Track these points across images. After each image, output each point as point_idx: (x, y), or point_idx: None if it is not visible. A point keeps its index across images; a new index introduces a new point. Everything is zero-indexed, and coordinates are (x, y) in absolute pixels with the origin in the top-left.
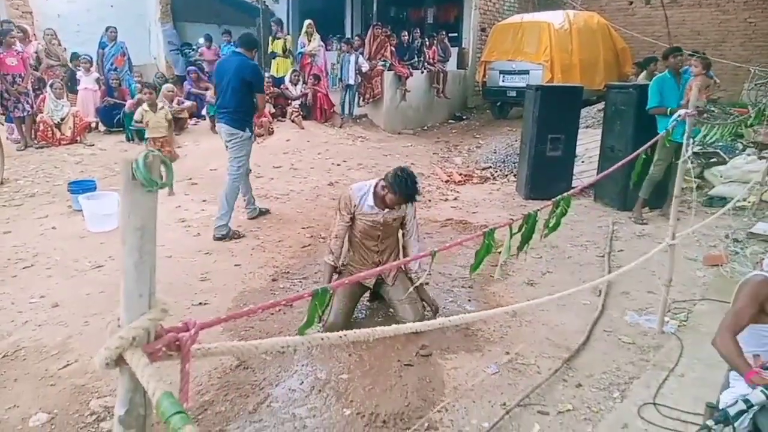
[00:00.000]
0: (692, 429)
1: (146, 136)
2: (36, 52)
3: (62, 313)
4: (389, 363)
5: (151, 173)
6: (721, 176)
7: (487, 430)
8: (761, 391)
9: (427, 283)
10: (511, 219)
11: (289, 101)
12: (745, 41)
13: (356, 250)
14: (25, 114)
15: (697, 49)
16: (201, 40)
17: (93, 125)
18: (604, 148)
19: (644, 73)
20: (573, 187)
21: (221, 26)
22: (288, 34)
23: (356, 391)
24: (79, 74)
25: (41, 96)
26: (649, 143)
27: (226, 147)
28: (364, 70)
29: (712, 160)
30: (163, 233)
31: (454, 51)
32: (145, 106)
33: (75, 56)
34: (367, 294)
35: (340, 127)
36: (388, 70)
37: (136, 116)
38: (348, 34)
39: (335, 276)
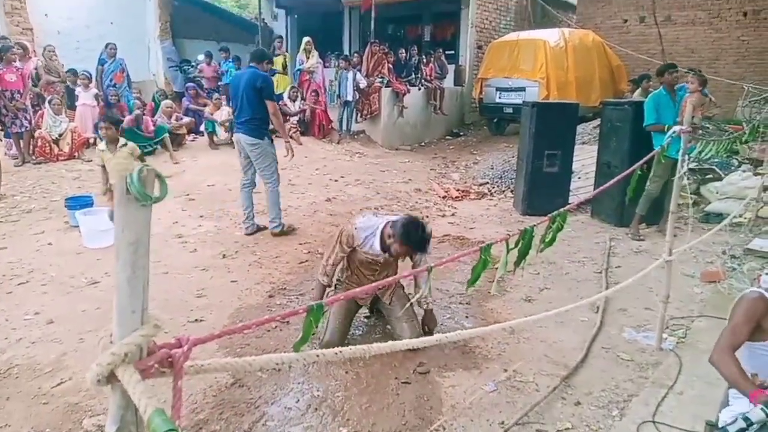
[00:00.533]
0: None
1: (108, 183)
2: (35, 69)
3: (57, 329)
4: (386, 381)
5: (145, 187)
6: (717, 192)
7: None
8: (761, 409)
9: (426, 308)
10: (508, 234)
11: (288, 117)
12: (739, 59)
13: (353, 271)
14: (23, 130)
15: (692, 67)
16: (200, 57)
17: (91, 141)
18: (600, 164)
19: (639, 90)
20: (570, 203)
21: (220, 43)
22: (287, 51)
23: (353, 409)
24: (78, 90)
25: (40, 112)
26: (644, 159)
27: (246, 158)
28: (362, 86)
29: (707, 176)
30: (159, 249)
31: (451, 68)
32: (101, 144)
33: (72, 72)
34: (365, 310)
35: (338, 143)
36: (385, 87)
37: (95, 159)
38: (346, 52)
39: (329, 292)
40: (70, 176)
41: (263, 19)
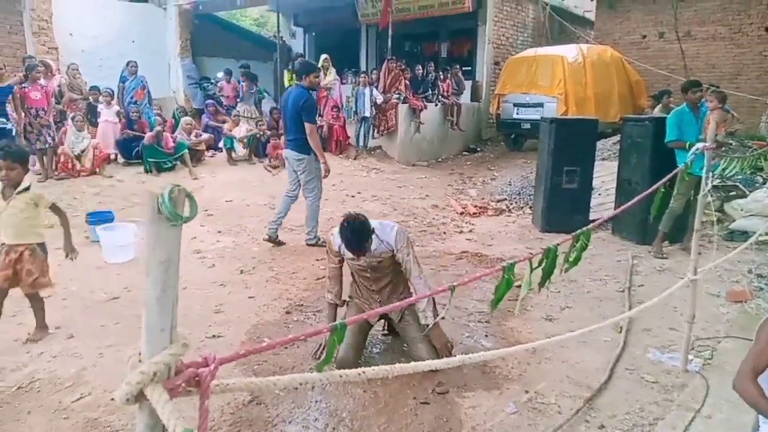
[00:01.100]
0: None
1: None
2: (59, 86)
3: (77, 344)
4: (405, 400)
5: (176, 207)
6: (741, 210)
7: None
8: None
9: (442, 318)
10: (531, 254)
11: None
12: (761, 74)
13: (357, 284)
14: (47, 146)
15: (713, 83)
16: (220, 74)
17: (112, 157)
18: (620, 180)
19: (659, 105)
20: (590, 220)
21: (239, 61)
22: None
23: (371, 429)
24: (101, 107)
25: (63, 128)
26: (668, 176)
27: (294, 172)
28: (378, 102)
29: (731, 193)
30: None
31: (467, 84)
32: None
33: (95, 89)
34: (383, 328)
35: (355, 158)
36: (402, 103)
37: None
38: (363, 68)
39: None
40: (91, 192)
41: (281, 37)
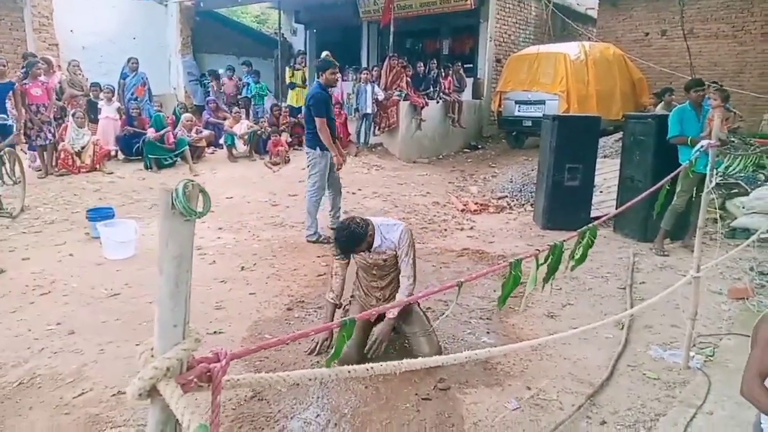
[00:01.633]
0: None
1: None
2: (59, 82)
3: (78, 340)
4: (406, 396)
5: (190, 202)
6: (743, 207)
7: None
8: None
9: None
10: (537, 250)
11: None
12: (764, 72)
13: (361, 282)
14: (47, 142)
15: (715, 80)
16: (220, 71)
17: (113, 153)
18: (623, 178)
19: (662, 103)
20: (592, 218)
21: (240, 58)
22: (305, 65)
23: (373, 425)
24: (101, 103)
25: (63, 125)
26: (672, 174)
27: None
28: (380, 99)
29: (733, 191)
30: None
31: (469, 81)
32: None
33: (96, 86)
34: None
35: (356, 155)
36: (403, 100)
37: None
38: (364, 65)
39: (345, 306)
40: (92, 188)
41: (282, 34)
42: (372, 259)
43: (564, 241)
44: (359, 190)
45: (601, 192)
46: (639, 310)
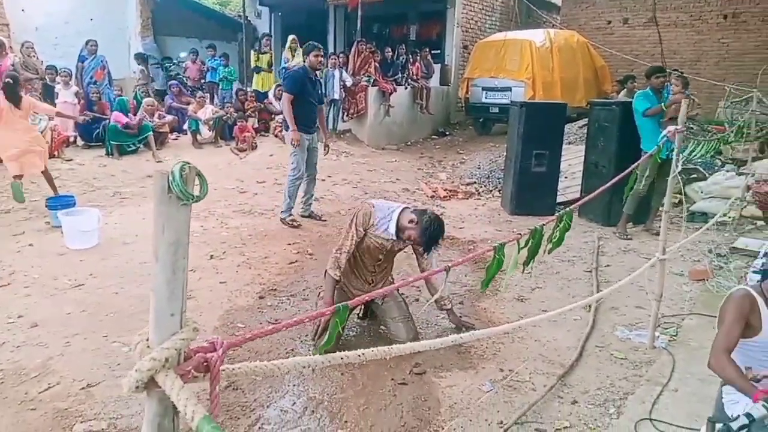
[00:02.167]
0: None
1: None
2: (12, 65)
3: (42, 333)
4: (383, 382)
5: (187, 186)
6: (701, 192)
7: None
8: (762, 405)
9: (449, 308)
10: (519, 234)
11: (273, 116)
12: (719, 60)
13: (352, 266)
14: None
15: (676, 68)
16: (183, 54)
17: (71, 139)
18: (587, 164)
19: (624, 90)
20: (558, 203)
21: (202, 41)
22: (271, 48)
23: (350, 411)
24: (58, 87)
25: None
26: (641, 160)
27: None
28: (348, 85)
29: (692, 176)
30: (145, 249)
31: (436, 67)
32: None
33: (52, 69)
34: (359, 312)
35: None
36: (372, 86)
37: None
38: (331, 50)
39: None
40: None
41: (246, 17)
42: (393, 245)
43: (543, 225)
44: (329, 176)
45: (566, 177)
46: (608, 292)
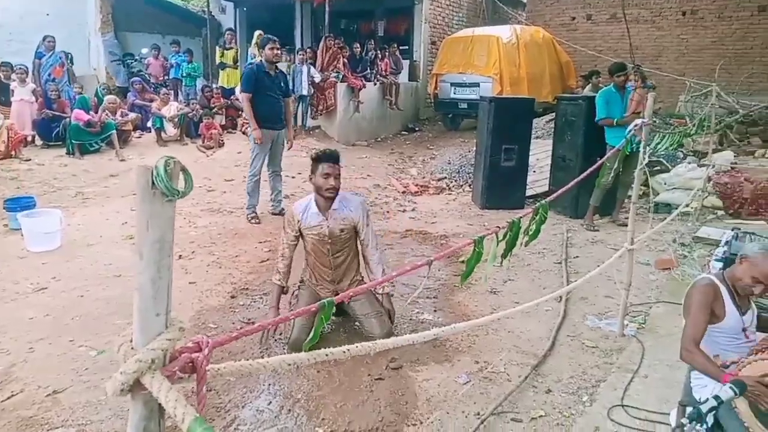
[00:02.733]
0: (660, 428)
1: None
2: None
3: (3, 339)
4: (359, 378)
5: (172, 181)
6: (665, 184)
7: None
8: (729, 387)
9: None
10: (498, 227)
11: (240, 112)
12: (679, 56)
13: (312, 268)
14: None
15: (638, 63)
16: (144, 51)
17: (29, 139)
18: (555, 157)
19: (589, 85)
20: (527, 197)
21: (165, 36)
22: (236, 44)
23: (327, 408)
24: (14, 85)
25: None
26: (609, 154)
27: None
28: (316, 81)
29: (655, 168)
30: (110, 251)
31: (405, 63)
32: None
33: (7, 66)
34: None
35: (294, 138)
36: (341, 82)
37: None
38: (298, 45)
39: (295, 292)
40: (8, 176)
41: (210, 12)
42: (330, 228)
43: (521, 218)
44: (299, 173)
45: (534, 171)
46: (579, 283)
